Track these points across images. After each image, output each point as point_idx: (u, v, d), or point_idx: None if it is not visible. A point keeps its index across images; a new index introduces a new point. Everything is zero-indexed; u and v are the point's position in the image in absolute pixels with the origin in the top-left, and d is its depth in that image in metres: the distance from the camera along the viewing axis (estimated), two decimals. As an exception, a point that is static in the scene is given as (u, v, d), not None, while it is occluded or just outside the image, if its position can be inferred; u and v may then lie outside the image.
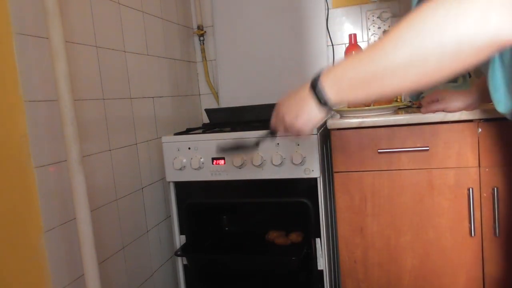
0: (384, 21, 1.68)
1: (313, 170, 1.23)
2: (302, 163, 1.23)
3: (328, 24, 1.75)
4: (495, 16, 0.43)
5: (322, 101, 0.65)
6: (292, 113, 0.72)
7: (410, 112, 1.19)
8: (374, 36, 1.71)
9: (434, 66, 0.50)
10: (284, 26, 1.77)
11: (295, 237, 1.46)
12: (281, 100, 0.76)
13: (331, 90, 0.64)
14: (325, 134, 1.34)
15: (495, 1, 0.43)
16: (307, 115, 0.69)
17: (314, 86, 0.66)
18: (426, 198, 1.17)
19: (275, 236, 1.47)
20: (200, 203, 1.41)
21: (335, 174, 1.22)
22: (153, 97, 1.51)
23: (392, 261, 1.22)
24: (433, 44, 0.48)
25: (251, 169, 1.28)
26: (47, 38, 0.96)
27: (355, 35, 1.40)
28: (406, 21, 0.51)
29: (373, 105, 1.19)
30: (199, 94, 1.95)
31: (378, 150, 1.17)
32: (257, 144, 0.90)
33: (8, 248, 0.90)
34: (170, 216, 1.47)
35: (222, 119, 1.59)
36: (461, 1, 0.45)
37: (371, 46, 0.58)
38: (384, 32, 1.68)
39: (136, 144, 1.39)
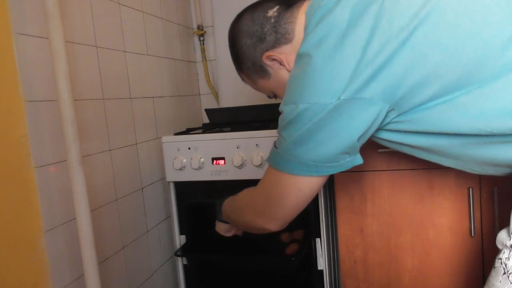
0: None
1: (313, 170, 1.23)
2: (302, 163, 1.22)
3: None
4: (258, 221, 0.88)
5: (218, 218, 1.10)
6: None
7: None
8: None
9: (243, 226, 1.01)
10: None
11: (298, 234, 1.46)
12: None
13: (223, 213, 1.06)
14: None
15: (258, 216, 0.88)
16: (217, 223, 1.13)
17: (217, 207, 1.10)
18: (426, 198, 1.17)
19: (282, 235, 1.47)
20: (200, 203, 1.41)
21: (335, 174, 1.22)
22: (153, 97, 1.51)
23: (392, 261, 1.22)
24: (240, 221, 0.97)
25: (251, 169, 1.28)
26: (47, 38, 0.96)
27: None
28: (240, 200, 0.97)
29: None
30: (199, 94, 1.95)
31: (378, 150, 1.17)
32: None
33: (8, 248, 0.90)
34: (170, 216, 1.47)
35: (222, 119, 1.59)
36: (245, 213, 0.92)
37: (235, 201, 1.00)
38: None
39: (136, 144, 1.39)
